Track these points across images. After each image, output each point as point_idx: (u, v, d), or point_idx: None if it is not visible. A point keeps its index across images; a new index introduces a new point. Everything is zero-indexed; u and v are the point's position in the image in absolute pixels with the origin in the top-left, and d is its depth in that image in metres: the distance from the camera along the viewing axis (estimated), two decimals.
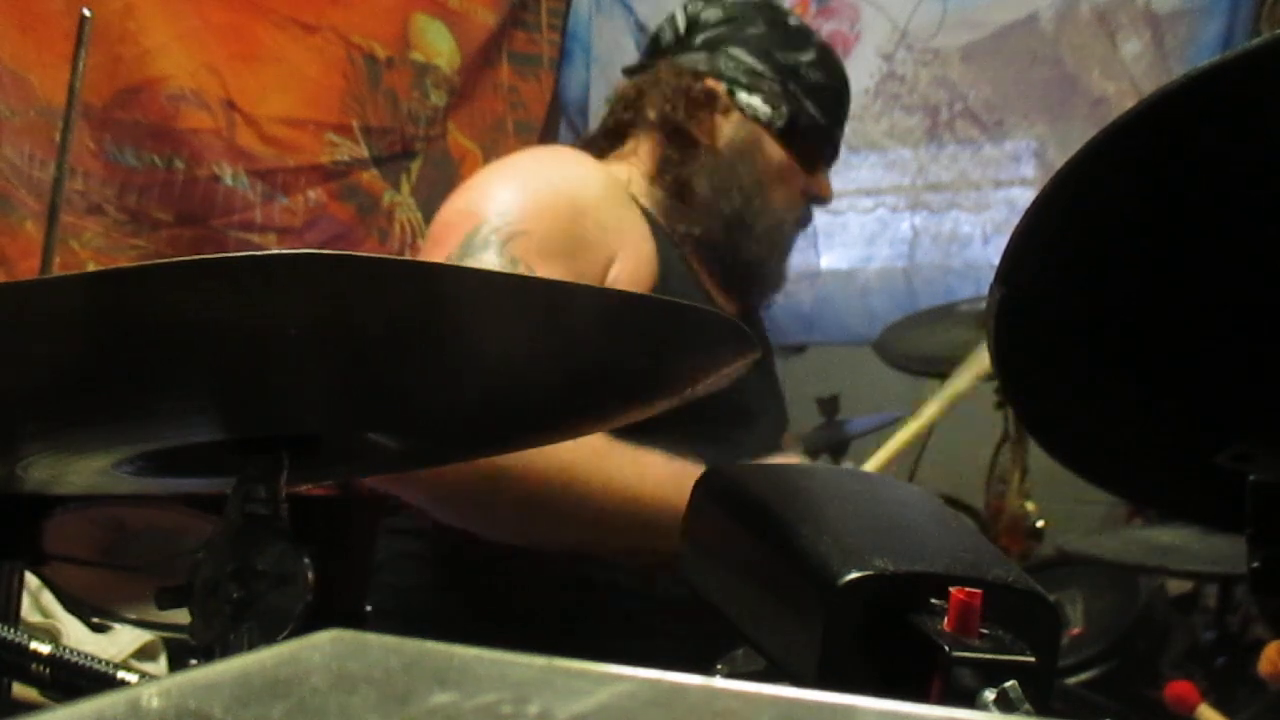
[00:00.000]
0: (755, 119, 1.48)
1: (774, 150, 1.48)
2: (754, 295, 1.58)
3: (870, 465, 1.63)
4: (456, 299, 0.63)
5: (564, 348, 0.72)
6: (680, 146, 1.49)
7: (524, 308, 0.65)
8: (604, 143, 1.56)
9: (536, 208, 1.34)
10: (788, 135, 1.48)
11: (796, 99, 1.48)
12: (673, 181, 1.49)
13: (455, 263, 1.27)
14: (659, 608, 1.33)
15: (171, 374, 0.63)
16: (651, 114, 1.51)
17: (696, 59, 1.51)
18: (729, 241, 1.49)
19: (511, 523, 1.31)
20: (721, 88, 1.49)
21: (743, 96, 1.48)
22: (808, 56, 1.50)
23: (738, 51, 1.49)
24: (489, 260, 1.27)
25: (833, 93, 1.52)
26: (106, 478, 0.84)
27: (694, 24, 1.54)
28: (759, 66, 1.49)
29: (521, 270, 1.26)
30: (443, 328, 0.66)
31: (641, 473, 1.26)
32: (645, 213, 1.47)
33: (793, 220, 1.54)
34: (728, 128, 1.49)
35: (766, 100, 1.48)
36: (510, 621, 1.37)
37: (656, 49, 1.59)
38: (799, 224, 1.57)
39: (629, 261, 1.39)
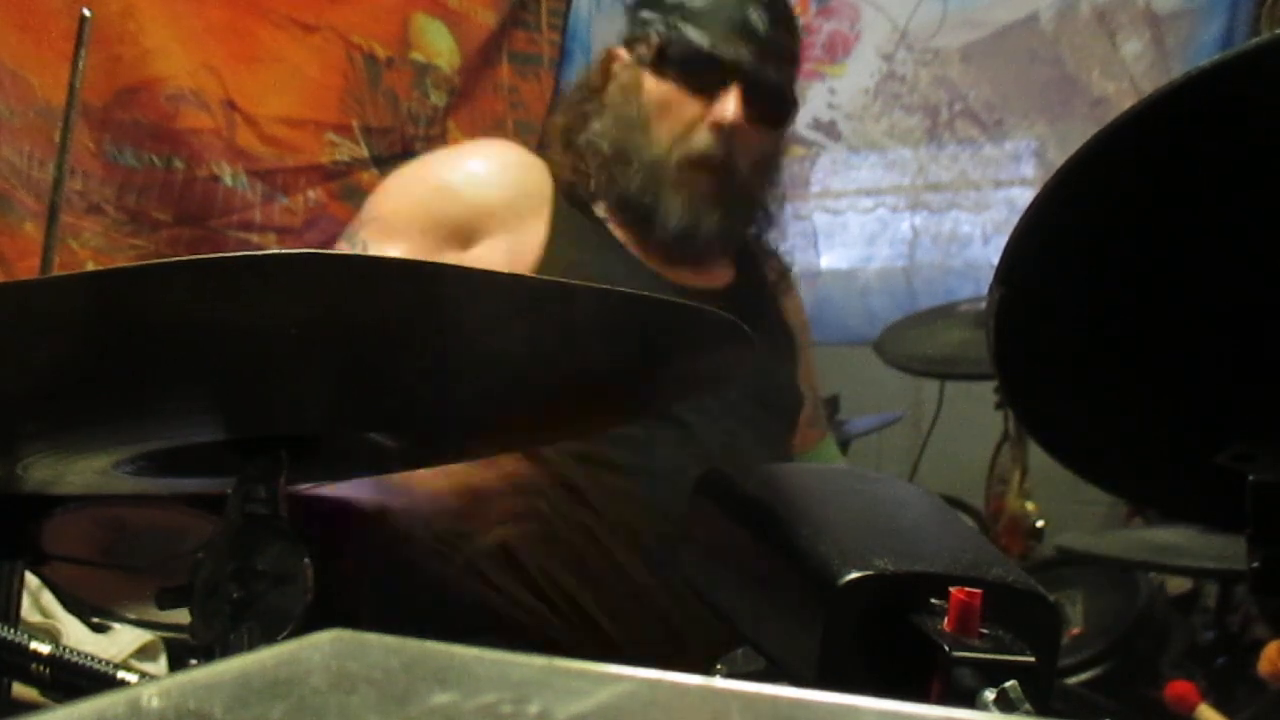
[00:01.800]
0: (638, 62, 1.50)
1: (654, 85, 1.48)
2: (659, 232, 1.48)
3: None
4: (451, 297, 0.63)
5: (556, 347, 0.72)
6: (580, 119, 1.53)
7: (517, 305, 0.65)
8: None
9: (396, 196, 1.43)
10: (661, 65, 1.48)
11: (675, 29, 1.48)
12: (565, 146, 1.52)
13: None
14: (648, 596, 1.33)
15: (171, 373, 0.63)
16: (575, 101, 1.57)
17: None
18: (608, 179, 1.48)
19: None
20: (622, 50, 1.54)
21: (635, 48, 1.52)
22: None
23: (641, 13, 1.54)
24: (340, 244, 1.37)
25: (721, 11, 1.48)
26: (107, 478, 0.84)
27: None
28: (650, 16, 1.52)
29: (358, 250, 1.33)
30: (438, 326, 0.66)
31: None
32: (570, 194, 1.48)
33: (686, 152, 1.46)
34: (616, 81, 1.52)
35: (647, 42, 1.50)
36: (504, 615, 1.36)
37: None
38: (704, 157, 1.47)
39: (503, 243, 1.41)
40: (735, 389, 1.43)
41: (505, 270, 1.34)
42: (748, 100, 1.45)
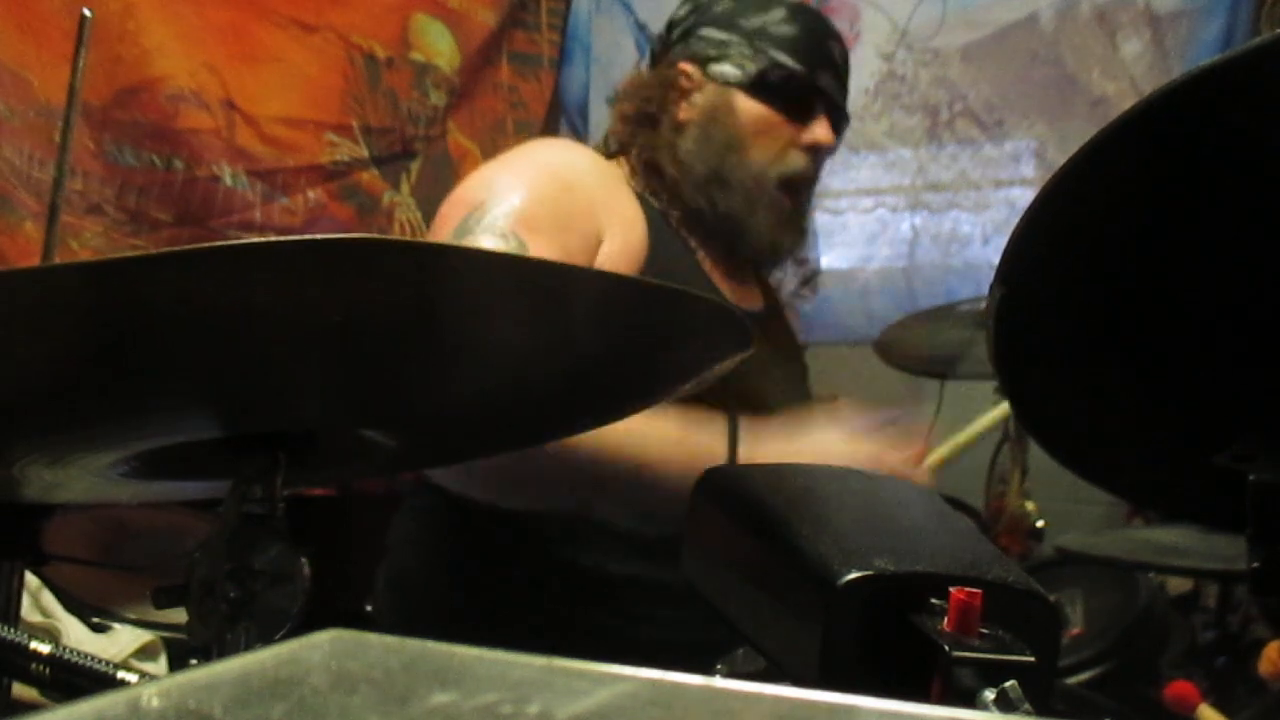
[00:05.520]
0: (725, 82, 1.52)
1: (748, 106, 1.51)
2: (749, 255, 1.56)
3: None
4: (452, 280, 0.63)
5: (560, 337, 0.72)
6: (650, 130, 1.54)
7: (518, 289, 0.64)
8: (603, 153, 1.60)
9: (525, 184, 1.38)
10: (759, 88, 1.50)
11: (765, 54, 1.50)
12: (647, 163, 1.53)
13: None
14: (663, 601, 1.33)
15: (167, 367, 0.62)
16: (630, 112, 1.58)
17: (675, 52, 1.58)
18: (707, 200, 1.50)
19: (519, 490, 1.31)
20: (693, 67, 1.54)
21: (713, 68, 1.52)
22: (775, 15, 1.53)
23: (706, 31, 1.55)
24: (480, 238, 1.30)
25: (807, 41, 1.52)
26: (105, 482, 0.84)
27: (670, 25, 1.61)
28: (725, 36, 1.53)
29: (512, 243, 1.29)
30: (438, 312, 0.65)
31: (645, 435, 1.25)
32: (642, 200, 1.48)
33: (783, 173, 1.52)
34: (701, 99, 1.53)
35: (734, 63, 1.51)
36: (513, 614, 1.38)
37: (652, 63, 1.65)
38: (799, 178, 1.54)
39: (617, 241, 1.41)
40: (791, 402, 1.46)
41: (625, 271, 1.38)
42: (830, 125, 1.54)
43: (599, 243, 1.39)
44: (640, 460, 1.25)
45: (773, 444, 1.30)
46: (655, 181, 1.52)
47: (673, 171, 1.51)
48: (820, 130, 1.52)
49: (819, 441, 1.32)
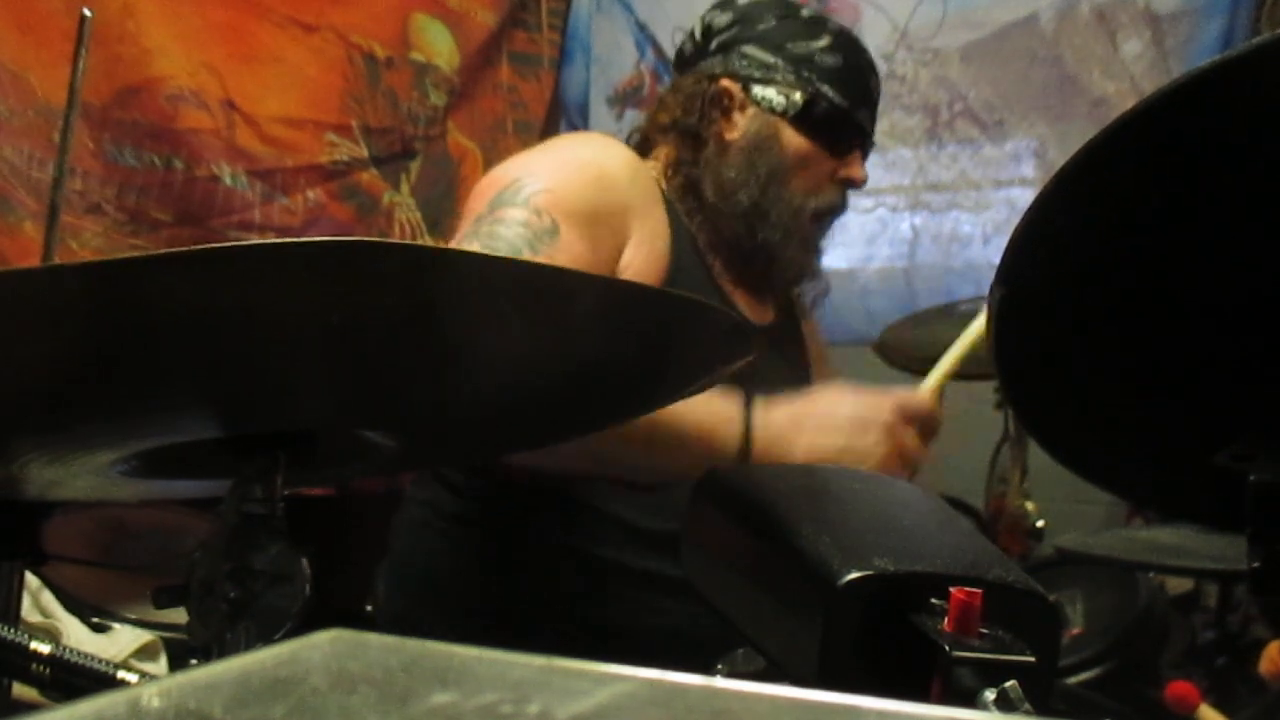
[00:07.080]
0: (771, 110, 1.49)
1: (793, 138, 1.49)
2: (775, 282, 1.56)
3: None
4: (451, 282, 0.63)
5: (560, 341, 0.72)
6: (691, 148, 1.52)
7: (517, 292, 0.64)
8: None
9: (564, 171, 1.37)
10: (805, 122, 1.49)
11: (812, 85, 1.49)
12: (684, 181, 1.52)
13: (484, 220, 1.29)
14: (665, 591, 1.33)
15: (167, 367, 0.62)
16: (666, 121, 1.55)
17: (713, 63, 1.54)
18: (746, 230, 1.50)
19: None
20: (736, 86, 1.51)
21: (757, 90, 1.50)
22: (822, 43, 1.50)
23: (750, 49, 1.52)
24: (514, 212, 1.29)
25: (852, 75, 1.51)
26: (105, 481, 0.84)
27: (708, 31, 1.57)
28: (772, 59, 1.50)
29: (545, 221, 1.28)
30: (437, 314, 0.65)
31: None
32: (670, 207, 1.48)
33: (818, 206, 1.52)
34: (744, 122, 1.51)
35: (781, 90, 1.49)
36: (518, 602, 1.38)
37: (680, 63, 1.62)
38: (831, 211, 1.55)
39: (643, 246, 1.41)
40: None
41: (646, 279, 1.38)
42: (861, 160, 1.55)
43: (624, 244, 1.39)
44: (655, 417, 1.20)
45: (784, 406, 1.31)
46: (691, 200, 1.50)
47: (714, 197, 1.50)
48: (857, 168, 1.53)
49: (828, 393, 1.34)
